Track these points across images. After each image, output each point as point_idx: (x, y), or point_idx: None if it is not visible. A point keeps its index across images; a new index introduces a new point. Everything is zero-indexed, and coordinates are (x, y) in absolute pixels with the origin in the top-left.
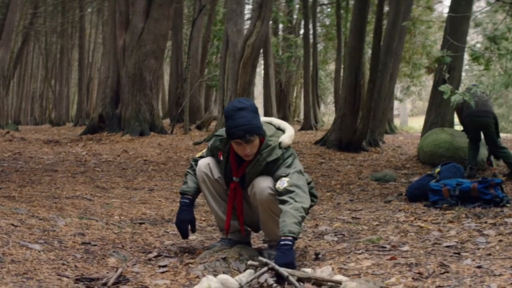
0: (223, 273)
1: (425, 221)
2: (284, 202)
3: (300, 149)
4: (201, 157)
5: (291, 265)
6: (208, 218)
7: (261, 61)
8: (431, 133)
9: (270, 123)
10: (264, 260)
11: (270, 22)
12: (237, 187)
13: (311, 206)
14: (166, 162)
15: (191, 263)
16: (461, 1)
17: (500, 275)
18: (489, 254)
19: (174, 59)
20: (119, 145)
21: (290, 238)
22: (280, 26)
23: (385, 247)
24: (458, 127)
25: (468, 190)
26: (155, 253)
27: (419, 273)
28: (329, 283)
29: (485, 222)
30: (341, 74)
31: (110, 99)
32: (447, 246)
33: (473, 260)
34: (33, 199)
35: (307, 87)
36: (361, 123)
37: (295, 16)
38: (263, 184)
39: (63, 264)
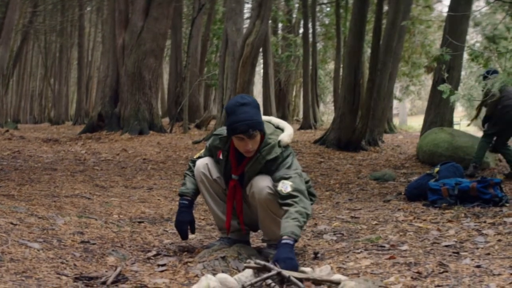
0: (222, 272)
1: (424, 220)
2: (288, 205)
3: (299, 148)
4: (199, 157)
5: (291, 261)
6: (207, 217)
7: (260, 60)
8: (430, 133)
9: (269, 122)
10: (262, 262)
11: (270, 21)
12: (237, 185)
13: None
14: (165, 161)
15: (190, 262)
16: (461, 0)
17: (499, 274)
18: (488, 254)
19: (174, 58)
20: (118, 144)
21: (292, 238)
22: (280, 25)
23: (384, 247)
24: (458, 126)
25: (467, 189)
26: (154, 252)
27: (418, 272)
28: (328, 283)
29: (484, 222)
30: (341, 74)
31: (109, 98)
32: (446, 246)
33: (472, 259)
34: (32, 197)
35: (306, 86)
36: (360, 123)
37: (294, 15)
38: (261, 183)
39: (62, 263)
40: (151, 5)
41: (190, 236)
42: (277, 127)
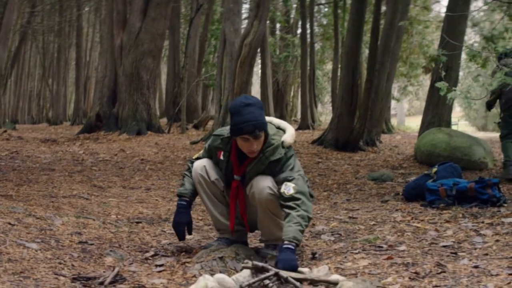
0: (220, 272)
1: (422, 220)
2: (290, 208)
3: (297, 148)
4: (198, 158)
5: (291, 261)
6: (205, 218)
7: (258, 61)
8: (428, 133)
9: (270, 122)
10: (260, 264)
11: (268, 22)
12: (239, 185)
13: None
14: (163, 161)
15: (188, 262)
16: (459, 0)
17: (497, 275)
18: (486, 254)
19: (171, 59)
20: (116, 144)
21: (294, 243)
22: (278, 25)
23: (382, 247)
24: (455, 126)
25: (465, 190)
26: (152, 252)
27: (416, 272)
28: (325, 283)
29: (482, 222)
30: (338, 74)
31: (107, 98)
32: (444, 246)
33: (470, 260)
34: (30, 198)
35: (304, 86)
36: (358, 123)
37: (292, 16)
38: (262, 184)
39: (60, 263)
40: (149, 6)
41: (188, 236)
42: (278, 128)
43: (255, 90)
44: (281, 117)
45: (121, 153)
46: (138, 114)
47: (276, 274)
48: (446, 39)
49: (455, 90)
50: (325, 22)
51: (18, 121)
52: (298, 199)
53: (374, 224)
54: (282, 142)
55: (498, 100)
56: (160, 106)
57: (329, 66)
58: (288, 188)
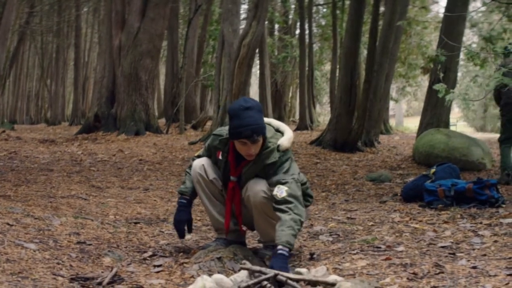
0: (218, 273)
1: (420, 221)
2: (282, 211)
3: (296, 149)
4: (198, 156)
5: (285, 270)
6: (203, 218)
7: (256, 61)
8: (427, 134)
9: (269, 124)
10: (257, 268)
11: (266, 22)
12: (236, 186)
13: (306, 206)
14: (162, 162)
15: (186, 262)
16: (457, 1)
17: (495, 275)
18: (484, 255)
19: (170, 59)
20: (115, 144)
21: (287, 248)
22: (276, 26)
23: (380, 248)
24: (454, 127)
25: (463, 190)
26: (150, 253)
27: (414, 273)
28: (323, 284)
29: (480, 223)
30: (337, 75)
31: (106, 98)
32: (442, 247)
33: (468, 260)
34: (28, 198)
35: (302, 87)
36: (356, 123)
37: (291, 17)
38: (256, 187)
39: (58, 264)
40: (148, 6)
41: (187, 236)
42: (277, 130)
43: (253, 91)
44: (279, 118)
45: (119, 153)
46: (136, 114)
47: (275, 276)
48: (444, 40)
49: (453, 92)
50: (323, 23)
51: (17, 121)
52: (291, 202)
53: (372, 225)
54: (278, 146)
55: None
56: (159, 106)
57: (327, 67)
58: (281, 191)
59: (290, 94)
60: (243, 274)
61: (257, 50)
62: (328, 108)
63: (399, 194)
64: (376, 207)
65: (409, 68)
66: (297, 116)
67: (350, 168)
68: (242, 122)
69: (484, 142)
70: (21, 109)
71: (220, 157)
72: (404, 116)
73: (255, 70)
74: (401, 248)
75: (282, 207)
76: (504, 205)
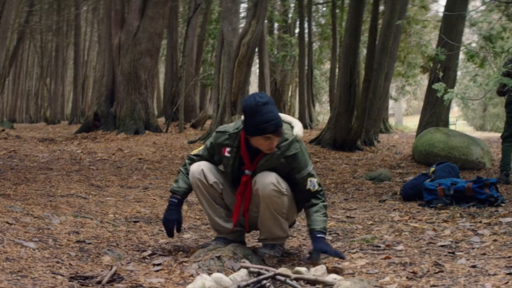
0: (218, 271)
1: (420, 220)
2: (317, 198)
3: None
4: (198, 155)
5: (329, 251)
6: (202, 217)
7: (256, 60)
8: (426, 133)
9: None
10: (256, 268)
11: (265, 21)
12: (249, 180)
13: None
14: (161, 161)
15: (185, 261)
16: (457, 0)
17: (494, 274)
18: (484, 254)
19: (169, 58)
20: (114, 143)
21: (324, 233)
22: (275, 25)
23: (379, 246)
24: (453, 126)
25: (463, 189)
26: (149, 252)
27: (413, 272)
28: (322, 283)
29: (480, 222)
30: (336, 73)
31: (105, 97)
32: (442, 246)
33: (468, 259)
34: (28, 197)
35: (302, 86)
36: (356, 122)
37: (290, 15)
38: (266, 179)
39: (57, 262)
40: (147, 5)
41: (185, 235)
42: (283, 121)
43: (253, 90)
44: None
45: (119, 152)
46: (136, 113)
47: (275, 276)
48: (444, 39)
49: (452, 91)
50: (323, 22)
51: (16, 120)
52: (321, 190)
53: (371, 224)
54: (295, 136)
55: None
56: (158, 105)
57: (327, 66)
58: (313, 184)
59: (290, 93)
60: (243, 273)
61: (256, 49)
62: (328, 107)
63: (398, 193)
64: (375, 206)
65: (408, 67)
66: (296, 115)
67: (350, 167)
68: (265, 117)
69: (483, 141)
70: (21, 108)
71: (226, 154)
72: (404, 115)
73: (255, 69)
74: (400, 247)
75: (317, 195)
76: (503, 204)
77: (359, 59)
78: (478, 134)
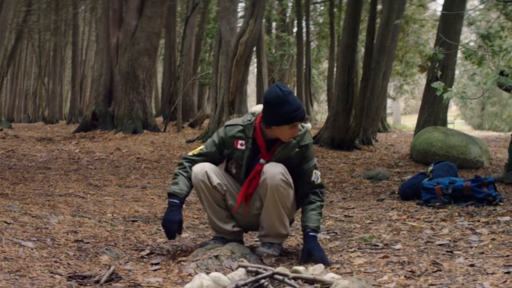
0: (216, 271)
1: (418, 219)
2: (316, 194)
3: None
4: (200, 154)
5: (322, 252)
6: (200, 216)
7: (254, 59)
8: (424, 132)
9: None
10: (254, 268)
11: (263, 20)
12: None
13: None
14: (159, 160)
15: (183, 261)
16: None
17: (492, 273)
18: (482, 253)
19: (167, 57)
20: (112, 143)
21: (317, 232)
22: (273, 24)
23: (377, 245)
24: (451, 125)
25: (461, 188)
26: (147, 251)
27: (411, 271)
28: (321, 282)
29: (478, 221)
30: (334, 72)
31: (103, 97)
32: (440, 245)
33: (466, 258)
34: (26, 196)
35: (300, 85)
36: (354, 122)
37: (288, 14)
38: (275, 169)
39: (55, 262)
40: (145, 4)
41: (183, 234)
42: None
43: (251, 89)
44: None
45: (117, 151)
46: (134, 112)
47: (273, 275)
48: (442, 38)
49: (451, 90)
50: (321, 21)
51: (14, 119)
52: (323, 187)
53: (370, 223)
54: (307, 128)
55: None
56: (156, 104)
57: (325, 65)
58: (317, 177)
59: None
60: (241, 272)
61: (254, 48)
62: (326, 106)
63: (396, 192)
64: (373, 205)
65: (406, 66)
66: None
67: (348, 166)
68: (294, 106)
69: (481, 140)
70: (19, 108)
71: (239, 146)
72: (402, 114)
73: (253, 68)
74: (398, 246)
75: (317, 190)
76: (501, 203)
77: (357, 58)
78: (476, 133)
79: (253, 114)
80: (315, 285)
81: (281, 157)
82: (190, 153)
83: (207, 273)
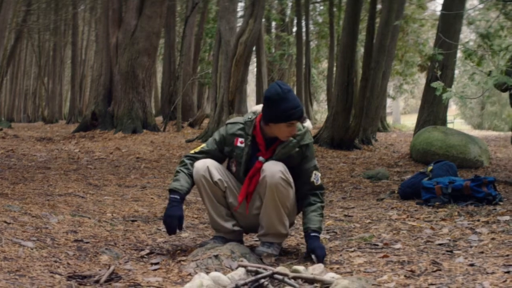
0: (215, 270)
1: (418, 219)
2: (317, 196)
3: None
4: (201, 152)
5: (323, 250)
6: (200, 216)
7: (253, 59)
8: (424, 131)
9: None
10: (254, 267)
11: (263, 20)
12: (261, 168)
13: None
14: (159, 160)
15: (183, 260)
16: None
17: (492, 273)
18: (482, 252)
19: (167, 57)
20: (112, 142)
21: (319, 233)
22: (273, 24)
23: (377, 245)
24: (451, 125)
25: (461, 188)
26: (147, 251)
27: (411, 271)
28: (320, 282)
29: (478, 220)
30: (334, 72)
31: (103, 96)
32: (440, 244)
33: (466, 258)
34: (25, 196)
35: (299, 85)
36: (353, 121)
37: (287, 14)
38: (275, 168)
39: (55, 262)
40: (145, 4)
41: (183, 234)
42: None
43: (251, 89)
44: None
45: (116, 151)
46: (133, 112)
47: (273, 274)
48: (441, 37)
49: (450, 90)
50: (320, 20)
51: (14, 119)
52: (323, 188)
53: (369, 222)
54: (307, 128)
55: None
56: (156, 104)
57: (324, 65)
58: (317, 178)
59: None
60: (241, 271)
61: (254, 48)
62: (325, 105)
63: (396, 192)
64: (373, 204)
65: (406, 66)
66: None
67: (347, 165)
68: (291, 104)
69: (481, 140)
70: (18, 107)
71: (239, 144)
72: (401, 113)
73: (252, 68)
74: (398, 245)
75: (317, 192)
76: (501, 203)
77: (357, 58)
78: (476, 133)
79: (254, 112)
80: (315, 284)
81: (281, 156)
82: (192, 151)
83: (207, 273)
